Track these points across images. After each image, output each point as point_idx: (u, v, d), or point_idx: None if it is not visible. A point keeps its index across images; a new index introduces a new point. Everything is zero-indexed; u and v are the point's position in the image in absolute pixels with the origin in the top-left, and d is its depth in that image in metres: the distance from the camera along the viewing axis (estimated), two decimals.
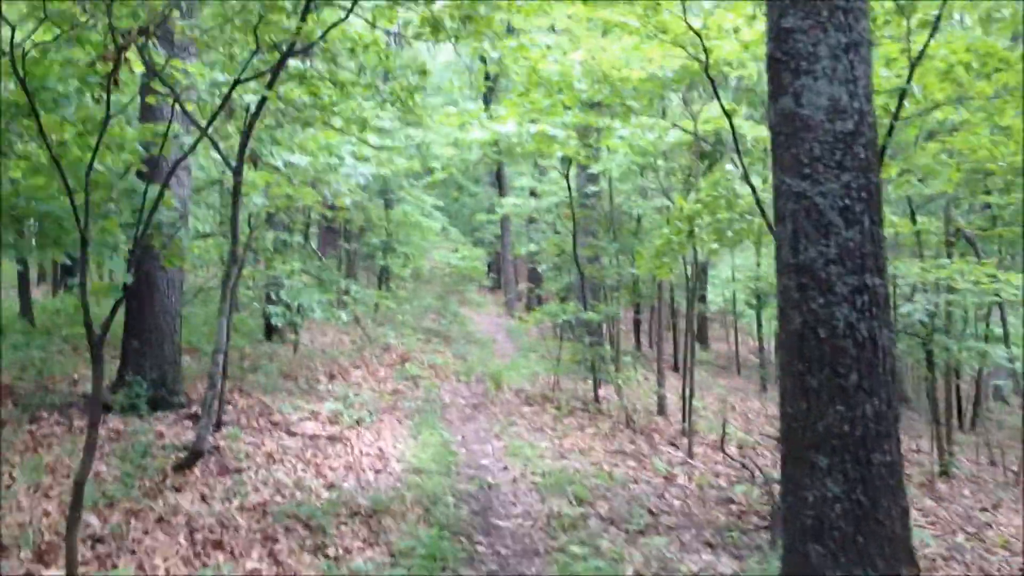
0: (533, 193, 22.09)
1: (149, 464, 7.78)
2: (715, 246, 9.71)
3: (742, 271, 25.27)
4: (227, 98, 7.27)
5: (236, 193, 7.56)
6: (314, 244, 23.56)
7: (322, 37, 7.00)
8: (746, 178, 7.62)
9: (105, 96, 8.31)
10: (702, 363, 25.69)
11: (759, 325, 22.87)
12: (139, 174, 10.14)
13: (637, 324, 25.00)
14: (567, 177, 12.96)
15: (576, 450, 9.99)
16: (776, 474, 8.86)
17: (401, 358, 17.11)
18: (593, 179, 17.04)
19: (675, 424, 12.37)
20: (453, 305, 23.06)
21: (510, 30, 12.51)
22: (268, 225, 11.47)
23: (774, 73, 4.57)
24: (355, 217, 18.34)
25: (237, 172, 7.51)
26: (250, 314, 17.83)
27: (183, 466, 7.72)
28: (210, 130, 7.54)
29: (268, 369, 12.88)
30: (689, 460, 9.89)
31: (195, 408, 10.40)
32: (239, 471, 8.04)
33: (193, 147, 6.95)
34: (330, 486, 7.95)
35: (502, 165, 30.54)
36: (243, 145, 7.51)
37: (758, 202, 7.44)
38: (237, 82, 7.30)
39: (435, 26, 7.07)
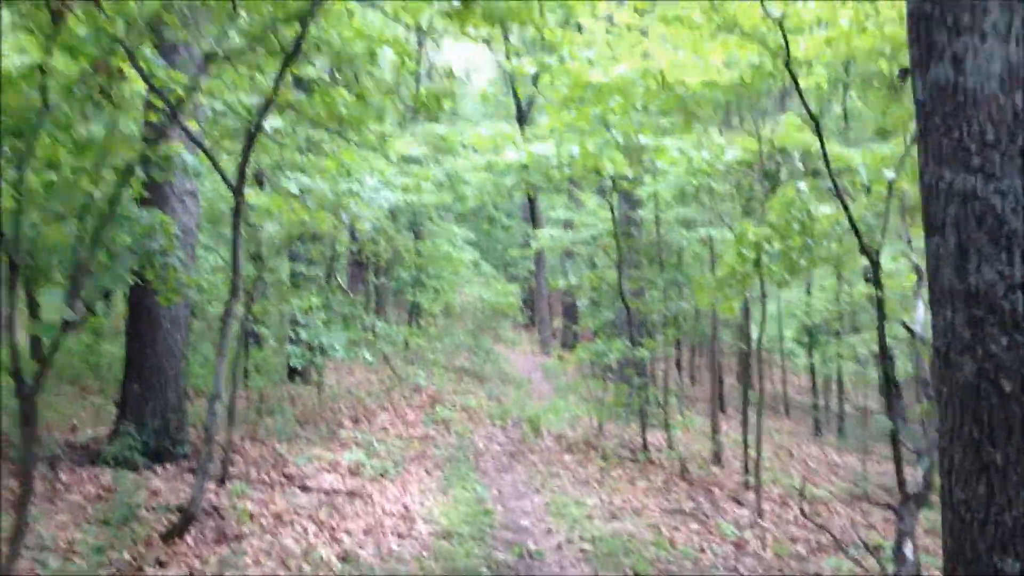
0: (568, 225, 20.94)
1: (133, 530, 6.64)
2: (786, 276, 8.46)
3: (788, 305, 23.97)
4: (259, 123, 6.24)
5: (236, 216, 6.47)
6: (341, 279, 22.59)
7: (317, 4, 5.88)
8: (838, 194, 6.40)
9: (96, 112, 7.29)
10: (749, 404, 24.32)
11: (812, 364, 21.42)
12: (142, 201, 9.22)
13: (678, 363, 23.66)
14: (610, 203, 11.79)
15: (628, 509, 8.71)
16: (869, 539, 7.65)
17: (431, 399, 15.93)
18: (634, 208, 15.87)
19: (734, 476, 11.05)
20: (486, 342, 21.89)
21: (544, 47, 11.46)
22: (286, 256, 10.39)
23: (921, 33, 3.37)
24: (382, 249, 17.28)
25: (237, 192, 6.44)
26: (274, 352, 16.79)
27: (173, 533, 6.57)
28: (216, 150, 6.55)
29: (286, 413, 11.72)
30: (759, 521, 8.58)
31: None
32: (239, 537, 6.86)
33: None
34: (344, 557, 6.74)
35: (535, 197, 29.52)
36: (244, 161, 6.44)
37: (852, 221, 6.23)
38: (270, 103, 6.28)
39: (461, 16, 5.96)
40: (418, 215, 20.03)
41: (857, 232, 6.25)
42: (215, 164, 6.73)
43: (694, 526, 8.16)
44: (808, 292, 20.15)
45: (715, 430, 11.87)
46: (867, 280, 18.05)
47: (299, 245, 11.88)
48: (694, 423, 14.36)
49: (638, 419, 14.57)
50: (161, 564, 6.07)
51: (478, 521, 8.12)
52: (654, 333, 14.92)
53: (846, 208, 6.34)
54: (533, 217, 28.26)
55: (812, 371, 21.58)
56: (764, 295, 9.04)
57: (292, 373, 16.06)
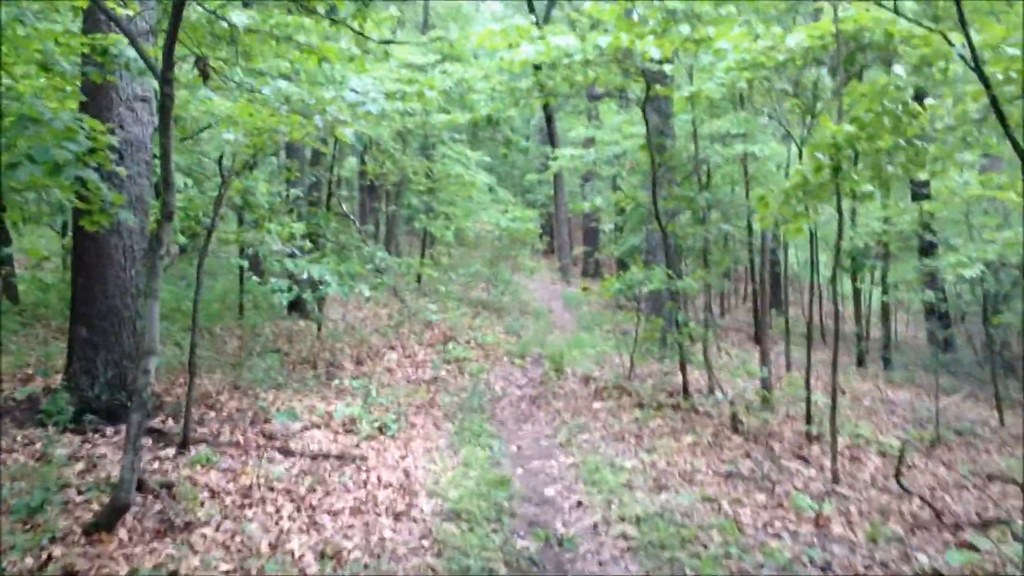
0: (590, 144, 19.03)
1: (50, 520, 5.09)
2: (868, 188, 6.68)
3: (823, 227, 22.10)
4: None
5: (164, 113, 4.77)
6: (348, 207, 20.86)
7: None
8: (978, 71, 4.60)
9: None
10: (781, 331, 22.62)
11: (855, 291, 19.62)
12: (81, 107, 7.51)
13: (709, 292, 21.89)
14: (642, 107, 9.95)
15: (675, 473, 7.11)
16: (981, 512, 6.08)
17: (444, 336, 14.35)
18: (666, 120, 14.01)
19: (791, 424, 9.41)
20: (504, 272, 20.20)
21: None
22: (251, 172, 8.67)
23: None
24: (389, 172, 15.54)
25: (163, 81, 4.72)
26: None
27: (100, 524, 5.03)
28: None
29: (269, 360, 10.15)
30: (835, 487, 6.95)
31: (167, 417, 7.75)
32: (189, 527, 5.31)
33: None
34: (323, 552, 5.18)
35: (553, 115, 27.53)
36: (170, 38, 4.71)
37: (995, 101, 4.45)
38: None
39: None
40: (429, 138, 18.22)
41: (1001, 115, 4.47)
42: (138, 48, 5.00)
43: (759, 497, 6.55)
44: (852, 213, 18.25)
45: (764, 368, 10.19)
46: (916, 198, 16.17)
47: (293, 165, 10.20)
48: (741, 366, 12.71)
49: (674, 357, 13.01)
50: (70, 573, 4.53)
51: (493, 493, 6.55)
52: (687, 260, 13.20)
53: (986, 82, 4.55)
54: (551, 138, 26.32)
55: (856, 297, 19.77)
56: (840, 213, 7.27)
57: (292, 307, 14.52)
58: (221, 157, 6.80)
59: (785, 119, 9.14)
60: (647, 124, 10.08)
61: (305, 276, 9.48)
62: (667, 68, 8.61)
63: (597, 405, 9.61)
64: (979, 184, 10.30)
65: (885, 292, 18.07)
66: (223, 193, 6.76)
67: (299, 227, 8.48)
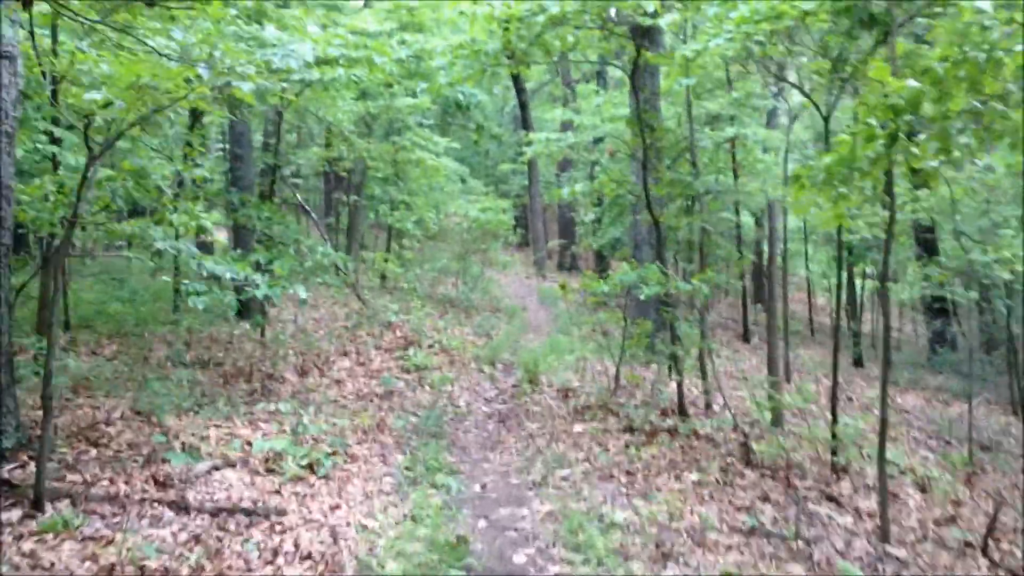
0: (568, 128, 17.33)
1: None
2: (933, 163, 5.08)
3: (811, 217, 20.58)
4: None
5: None
6: (307, 198, 19.06)
7: None
8: None
9: None
10: (761, 326, 21.09)
11: (851, 284, 18.12)
12: None
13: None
14: (632, 75, 8.29)
15: (683, 532, 5.47)
16: None
17: (405, 340, 12.66)
18: (654, 98, 12.43)
19: (809, 448, 7.81)
20: (474, 267, 18.53)
21: None
22: (139, 146, 6.94)
23: None
24: (344, 156, 13.81)
25: None
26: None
27: None
28: None
29: (184, 374, 8.45)
30: (888, 549, 5.34)
31: (30, 460, 6.01)
32: None
33: None
34: None
35: (527, 100, 25.82)
36: None
37: None
38: None
39: None
40: (394, 123, 16.48)
41: None
42: None
43: (796, 570, 4.93)
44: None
45: (772, 377, 8.60)
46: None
47: (196, 137, 8.49)
48: (742, 375, 11.13)
49: (665, 364, 11.45)
50: None
51: (446, 561, 4.90)
52: (677, 254, 11.61)
53: None
54: (525, 123, 24.62)
55: (851, 292, 18.27)
56: (892, 196, 5.64)
57: (242, 309, 12.82)
58: (87, 127, 5.08)
59: (807, 85, 7.49)
60: (636, 95, 8.43)
61: (230, 276, 7.77)
62: (663, 22, 6.95)
63: (578, 428, 7.97)
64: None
65: (882, 285, 16.61)
66: (88, 174, 5.04)
67: (213, 217, 6.77)
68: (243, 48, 5.87)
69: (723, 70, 13.46)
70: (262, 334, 11.47)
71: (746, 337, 17.88)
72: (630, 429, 7.75)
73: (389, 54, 8.81)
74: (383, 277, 18.44)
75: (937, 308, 17.81)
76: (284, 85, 6.18)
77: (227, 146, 14.30)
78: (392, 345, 12.42)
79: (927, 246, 17.38)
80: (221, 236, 16.05)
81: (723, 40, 6.52)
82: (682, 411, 8.35)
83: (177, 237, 7.19)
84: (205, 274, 7.13)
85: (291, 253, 8.63)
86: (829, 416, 9.43)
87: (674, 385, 10.54)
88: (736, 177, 15.48)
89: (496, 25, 8.12)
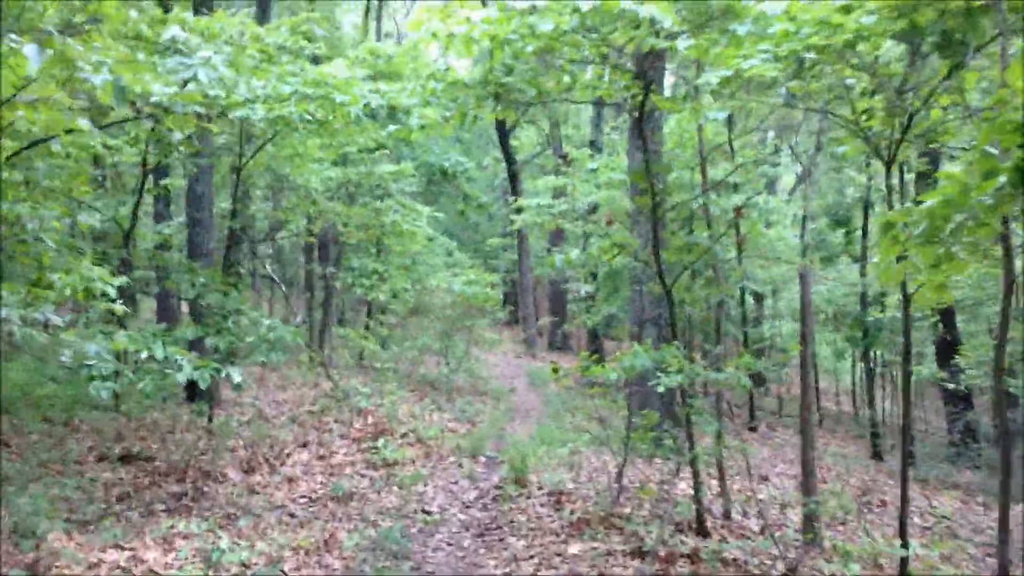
0: (561, 195, 15.95)
1: None
2: None
3: (816, 293, 19.16)
4: None
5: None
6: (272, 268, 17.56)
7: None
8: None
9: None
10: (766, 412, 19.48)
11: (868, 366, 16.55)
12: None
13: None
14: (639, 117, 6.86)
15: None
16: None
17: (375, 428, 11.01)
18: (654, 145, 11.11)
19: (862, 568, 6.16)
20: (459, 345, 16.96)
21: None
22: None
23: None
24: (311, 218, 12.35)
25: None
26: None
27: None
28: None
29: (73, 481, 6.82)
30: None
31: None
32: None
33: None
34: None
35: (517, 171, 24.55)
36: None
37: None
38: None
39: None
40: (375, 190, 15.11)
41: None
42: None
43: None
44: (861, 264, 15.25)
45: (806, 483, 7.00)
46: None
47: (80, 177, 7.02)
48: (759, 477, 9.49)
49: (666, 455, 9.87)
50: None
51: None
52: (684, 334, 10.09)
53: None
54: (515, 193, 23.27)
55: (868, 373, 16.67)
56: (1008, 257, 4.18)
57: (192, 391, 11.22)
58: None
59: (858, 128, 6.06)
60: (643, 141, 7.01)
61: (145, 356, 6.22)
62: (681, 45, 5.56)
63: (574, 549, 6.32)
64: None
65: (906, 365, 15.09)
66: None
67: (111, 279, 5.23)
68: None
69: (725, 136, 12.15)
70: (209, 421, 9.85)
71: (753, 426, 16.25)
72: (640, 553, 6.10)
73: (355, 96, 7.42)
74: (360, 356, 16.85)
75: (957, 393, 16.28)
76: (196, 108, 4.72)
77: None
78: (361, 434, 10.78)
79: (946, 322, 15.95)
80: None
81: (759, 61, 5.11)
82: (701, 526, 6.71)
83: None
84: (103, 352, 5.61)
85: (229, 327, 7.07)
86: (867, 527, 7.83)
87: (683, 485, 8.95)
88: (740, 251, 14.12)
89: (473, 51, 6.75)
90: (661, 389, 5.71)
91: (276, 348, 7.28)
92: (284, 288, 14.91)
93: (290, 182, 13.48)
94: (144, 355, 6.21)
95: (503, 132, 24.34)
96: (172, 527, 6.21)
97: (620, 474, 7.98)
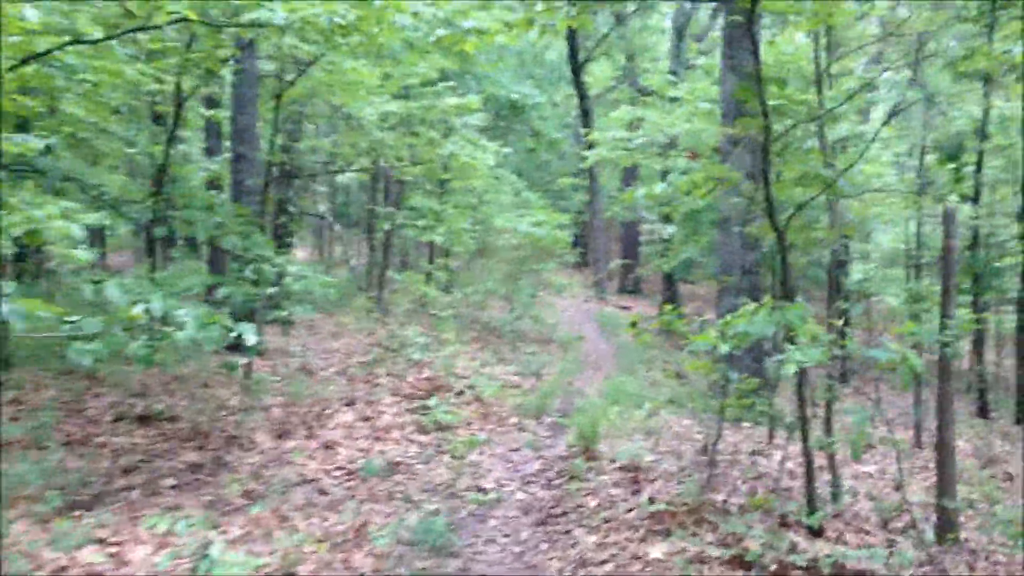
0: (636, 128, 14.36)
1: None
2: None
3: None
4: None
5: None
6: (324, 207, 16.43)
7: None
8: None
9: None
10: (853, 361, 17.81)
11: (976, 314, 14.71)
12: None
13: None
14: (749, 13, 5.39)
15: None
16: None
17: (430, 384, 9.87)
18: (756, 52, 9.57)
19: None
20: (525, 289, 15.70)
21: None
22: None
23: None
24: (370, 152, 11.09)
25: None
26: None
27: None
28: None
29: (113, 442, 5.80)
30: None
31: None
32: None
33: None
34: None
35: (588, 100, 22.91)
36: None
37: None
38: None
39: None
40: (437, 125, 13.78)
41: None
42: None
43: None
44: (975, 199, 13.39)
45: (945, 479, 5.59)
46: None
47: None
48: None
49: (764, 423, 8.59)
50: None
51: None
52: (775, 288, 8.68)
53: None
54: (586, 118, 21.54)
55: (977, 322, 14.85)
56: None
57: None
58: None
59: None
60: (754, 47, 5.52)
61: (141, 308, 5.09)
62: None
63: (658, 552, 5.05)
64: None
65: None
66: None
67: (79, 216, 4.04)
68: None
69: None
70: (247, 375, 8.81)
71: (844, 377, 14.70)
72: (741, 562, 4.80)
73: (406, 8, 6.06)
74: (422, 301, 15.74)
75: None
76: None
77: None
78: (413, 391, 9.65)
79: None
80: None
81: None
82: (811, 519, 5.36)
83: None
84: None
85: (247, 276, 5.90)
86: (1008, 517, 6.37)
87: (778, 456, 7.62)
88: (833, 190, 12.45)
89: None
90: (791, 369, 4.33)
91: (304, 300, 6.11)
92: (339, 228, 13.78)
93: (346, 115, 12.27)
94: (140, 309, 5.08)
95: (576, 65, 22.69)
96: (169, 515, 5.13)
97: (710, 449, 6.65)
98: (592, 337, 16.30)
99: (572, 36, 22.08)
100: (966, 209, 14.45)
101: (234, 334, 5.23)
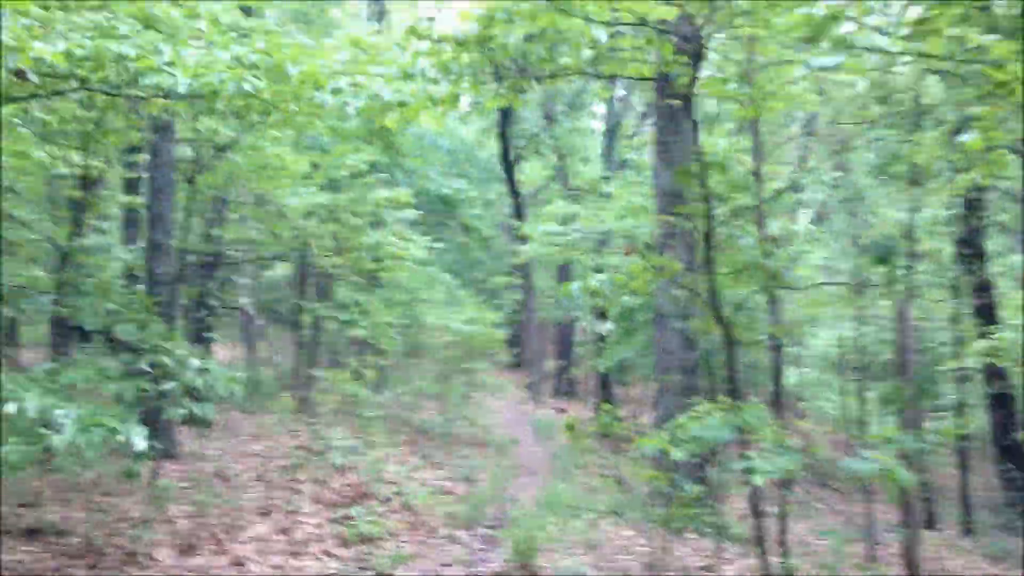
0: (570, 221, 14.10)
1: None
2: None
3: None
4: None
5: None
6: (247, 300, 15.71)
7: None
8: None
9: None
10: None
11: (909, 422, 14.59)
12: None
13: None
14: (686, 96, 5.06)
15: None
16: None
17: (354, 491, 9.13)
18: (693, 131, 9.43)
19: None
20: (458, 389, 15.10)
21: None
22: None
23: None
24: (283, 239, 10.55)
25: None
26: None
27: None
28: None
29: None
30: None
31: None
32: None
33: None
34: None
35: (520, 197, 22.80)
36: None
37: None
38: None
39: None
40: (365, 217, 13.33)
41: None
42: None
43: None
44: None
45: None
46: None
47: None
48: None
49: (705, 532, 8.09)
50: None
51: None
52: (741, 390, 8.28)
53: None
54: (517, 206, 21.32)
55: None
56: None
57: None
58: None
59: None
60: (695, 129, 5.25)
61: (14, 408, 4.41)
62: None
63: None
64: None
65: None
66: None
67: None
68: None
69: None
70: (148, 483, 7.97)
71: (787, 484, 14.27)
72: None
73: (318, 75, 5.61)
74: (353, 400, 14.93)
75: (1008, 446, 14.33)
76: None
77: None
78: (336, 498, 8.89)
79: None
80: None
81: None
82: None
83: None
84: None
85: (140, 369, 5.23)
86: None
87: (730, 572, 7.14)
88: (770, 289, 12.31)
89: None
90: (759, 481, 3.86)
91: (206, 398, 5.45)
92: (261, 324, 13.09)
93: (270, 204, 11.75)
94: (11, 408, 4.40)
95: (508, 163, 22.69)
96: None
97: (657, 568, 6.07)
98: (526, 440, 15.68)
99: (504, 134, 22.11)
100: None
101: (121, 437, 4.57)
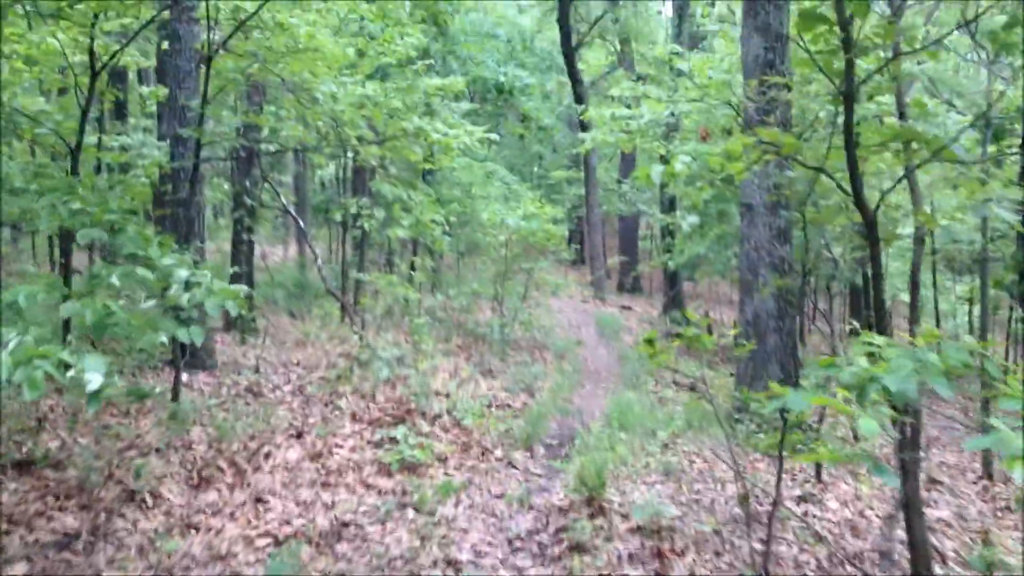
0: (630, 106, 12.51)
1: None
2: None
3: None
4: None
5: None
6: (286, 197, 14.61)
7: None
8: None
9: None
10: None
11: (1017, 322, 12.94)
12: None
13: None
14: None
15: None
16: None
17: (398, 408, 8.07)
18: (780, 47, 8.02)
19: None
20: (516, 289, 13.93)
21: None
22: None
23: None
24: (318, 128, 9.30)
25: None
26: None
27: None
28: None
29: None
30: None
31: None
32: None
33: None
34: None
35: (582, 86, 21.13)
36: None
37: None
38: None
39: None
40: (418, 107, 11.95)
41: None
42: None
43: None
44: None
45: None
46: None
47: None
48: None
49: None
50: None
51: None
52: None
53: None
54: (581, 123, 19.85)
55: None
56: None
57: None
58: None
59: None
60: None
61: None
62: None
63: None
64: None
65: None
66: None
67: None
68: None
69: None
70: (173, 397, 7.04)
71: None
72: None
73: None
74: (406, 303, 13.90)
75: None
76: None
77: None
78: (379, 416, 7.85)
79: None
80: None
81: None
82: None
83: None
84: None
85: (109, 285, 4.10)
86: None
87: (834, 504, 5.94)
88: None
89: None
90: (1021, 474, 2.55)
91: (193, 319, 4.32)
92: (301, 223, 11.99)
93: (307, 93, 10.45)
94: None
95: (569, 49, 20.89)
96: None
97: (771, 519, 4.85)
98: (591, 342, 14.53)
99: (564, 18, 20.29)
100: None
101: (71, 373, 3.46)
